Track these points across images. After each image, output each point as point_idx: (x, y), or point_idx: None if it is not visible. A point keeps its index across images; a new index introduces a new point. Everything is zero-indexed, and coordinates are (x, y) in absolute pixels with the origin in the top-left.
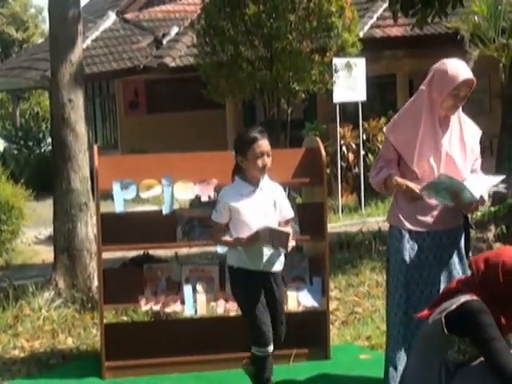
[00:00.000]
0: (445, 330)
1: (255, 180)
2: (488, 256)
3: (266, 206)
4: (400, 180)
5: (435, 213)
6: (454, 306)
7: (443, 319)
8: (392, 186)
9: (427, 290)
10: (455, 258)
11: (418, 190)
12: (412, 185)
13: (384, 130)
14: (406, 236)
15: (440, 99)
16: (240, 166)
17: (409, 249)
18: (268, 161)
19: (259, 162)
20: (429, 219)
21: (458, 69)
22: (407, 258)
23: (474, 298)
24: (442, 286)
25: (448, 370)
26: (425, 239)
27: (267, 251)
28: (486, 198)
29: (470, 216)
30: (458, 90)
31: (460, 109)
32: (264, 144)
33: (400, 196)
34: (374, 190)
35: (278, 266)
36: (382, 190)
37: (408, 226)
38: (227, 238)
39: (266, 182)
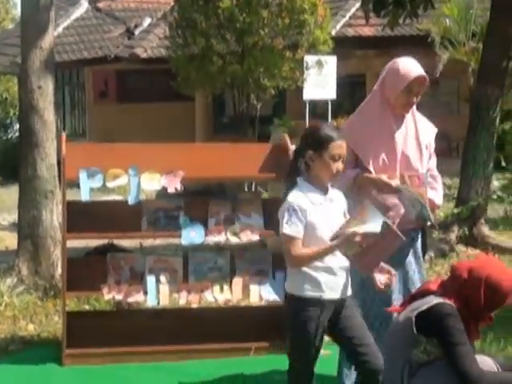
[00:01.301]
0: (414, 329)
1: (324, 186)
2: (472, 266)
3: (337, 219)
4: (374, 176)
5: (392, 213)
6: (425, 307)
7: (413, 318)
8: (362, 184)
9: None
10: (411, 258)
11: (394, 185)
12: (385, 177)
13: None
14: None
15: (393, 97)
16: (299, 166)
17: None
18: (341, 167)
19: (333, 167)
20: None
21: (410, 66)
22: None
23: (447, 301)
24: (398, 286)
25: (411, 369)
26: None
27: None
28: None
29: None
30: (411, 88)
31: (414, 107)
32: (343, 146)
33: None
34: None
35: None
36: (349, 189)
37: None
38: (310, 250)
39: (332, 189)
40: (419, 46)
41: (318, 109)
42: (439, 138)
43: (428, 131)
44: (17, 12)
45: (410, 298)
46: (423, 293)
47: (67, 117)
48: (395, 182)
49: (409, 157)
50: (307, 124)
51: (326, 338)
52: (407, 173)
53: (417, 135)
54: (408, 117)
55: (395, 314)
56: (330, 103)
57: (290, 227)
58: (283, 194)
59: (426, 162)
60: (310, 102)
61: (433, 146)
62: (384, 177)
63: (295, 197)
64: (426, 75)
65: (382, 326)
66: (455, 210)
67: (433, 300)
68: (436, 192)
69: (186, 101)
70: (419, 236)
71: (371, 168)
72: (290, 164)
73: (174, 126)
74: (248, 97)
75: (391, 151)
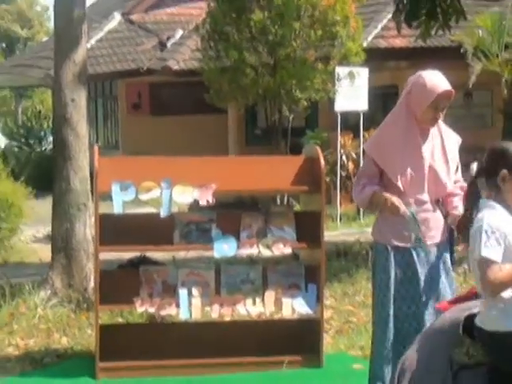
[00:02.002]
0: (460, 329)
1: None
2: None
3: None
4: (387, 195)
5: (421, 227)
6: (476, 310)
7: (462, 318)
8: (378, 203)
9: (414, 306)
10: (442, 272)
11: (401, 210)
12: (397, 201)
13: (364, 145)
14: (392, 253)
15: (419, 112)
16: (477, 186)
17: (395, 266)
18: None
19: None
20: None
21: (436, 81)
22: (393, 275)
23: None
24: (430, 301)
25: (451, 367)
26: (411, 255)
27: None
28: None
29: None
30: (437, 103)
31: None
32: None
33: (385, 212)
34: None
35: None
36: (367, 208)
37: (394, 242)
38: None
39: None
40: (452, 57)
41: (350, 120)
42: (473, 150)
43: (453, 142)
44: (51, 25)
45: (461, 297)
46: (467, 296)
47: (100, 129)
48: (403, 208)
49: (436, 171)
50: (339, 135)
51: (360, 353)
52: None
53: (443, 148)
54: (434, 129)
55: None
56: (361, 115)
57: (489, 250)
58: (467, 213)
59: (453, 175)
60: (341, 113)
61: (457, 156)
62: (395, 199)
63: (491, 218)
64: (452, 89)
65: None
66: None
67: None
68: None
69: (218, 113)
70: (448, 249)
71: (399, 184)
72: (470, 183)
73: (207, 138)
74: (280, 109)
75: (419, 166)
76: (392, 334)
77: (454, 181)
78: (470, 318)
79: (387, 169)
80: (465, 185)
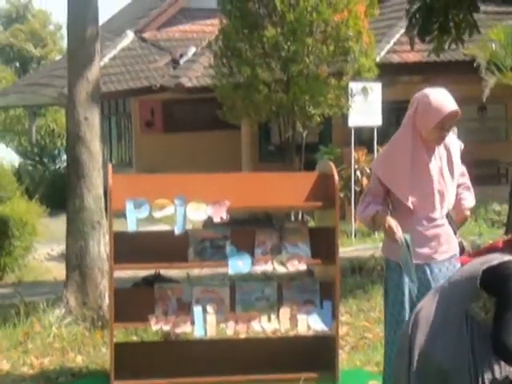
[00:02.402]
0: (478, 281)
1: None
2: None
3: None
4: (387, 218)
5: (433, 243)
6: (495, 262)
7: (481, 272)
8: (380, 223)
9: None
10: None
11: (397, 236)
12: (394, 226)
13: (371, 164)
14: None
15: (425, 132)
16: None
17: (409, 283)
18: None
19: None
20: (426, 251)
21: (442, 101)
22: (407, 293)
23: None
24: None
25: (466, 321)
26: (424, 271)
27: None
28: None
29: (463, 242)
30: (443, 123)
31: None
32: None
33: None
34: None
35: None
36: (369, 226)
37: None
38: None
39: None
40: (465, 71)
41: (364, 136)
42: (488, 164)
43: (457, 149)
44: (64, 43)
45: (480, 251)
46: (494, 249)
47: (114, 147)
48: (399, 235)
49: (445, 187)
50: (353, 151)
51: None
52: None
53: (450, 163)
54: (440, 146)
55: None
56: (375, 130)
57: None
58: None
59: (456, 180)
60: (355, 128)
61: (459, 161)
62: (393, 223)
63: None
64: (458, 109)
65: None
66: (505, 236)
67: (505, 257)
68: (470, 193)
69: (231, 129)
70: (454, 265)
71: (409, 204)
72: None
73: (220, 154)
74: (294, 125)
75: (427, 185)
76: None
77: (458, 184)
78: (488, 271)
79: (394, 188)
80: (470, 185)
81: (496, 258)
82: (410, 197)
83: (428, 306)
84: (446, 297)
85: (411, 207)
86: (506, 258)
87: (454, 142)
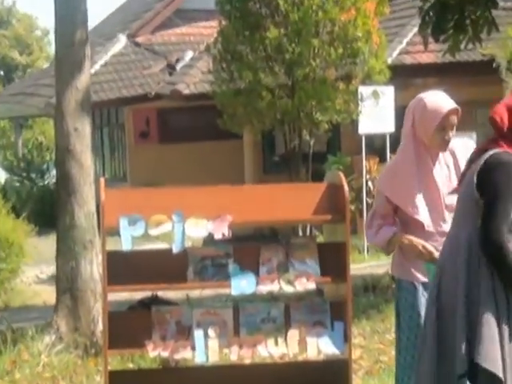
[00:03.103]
0: (475, 190)
1: None
2: (507, 103)
3: None
4: (413, 239)
5: None
6: (482, 161)
7: (475, 178)
8: (395, 245)
9: None
10: None
11: (434, 255)
12: (429, 247)
13: (376, 182)
14: (420, 289)
15: (427, 139)
16: None
17: (425, 303)
18: None
19: None
20: None
21: (439, 102)
22: (423, 313)
23: (507, 149)
24: None
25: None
26: None
27: None
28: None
29: None
30: (444, 125)
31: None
32: None
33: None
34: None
35: None
36: (385, 250)
37: (421, 278)
38: None
39: None
40: (484, 72)
41: (376, 143)
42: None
43: (463, 152)
44: (52, 50)
45: (464, 170)
46: (480, 152)
47: (106, 160)
48: (436, 253)
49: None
50: (364, 160)
51: None
52: None
53: (458, 169)
54: (445, 153)
55: None
56: (388, 137)
57: None
58: None
59: None
60: (366, 136)
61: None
62: (427, 245)
63: None
64: (457, 107)
65: None
66: None
67: (489, 152)
68: None
69: (233, 139)
70: None
71: (421, 219)
72: None
73: (221, 166)
74: (300, 133)
75: (436, 197)
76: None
77: None
78: (480, 174)
79: (403, 205)
80: None
81: (481, 159)
82: (421, 211)
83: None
84: (453, 226)
85: (423, 223)
86: (491, 152)
87: (459, 145)
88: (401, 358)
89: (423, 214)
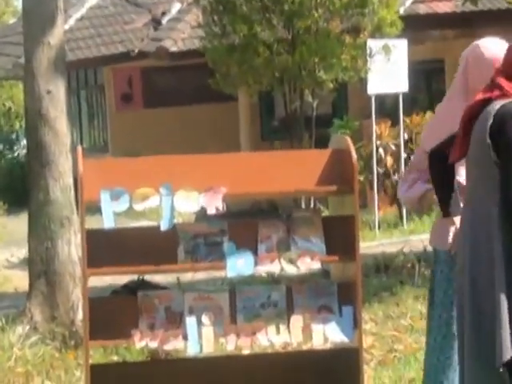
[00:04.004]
0: (491, 152)
1: None
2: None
3: None
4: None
5: None
6: (490, 117)
7: (487, 138)
8: (429, 204)
9: None
10: None
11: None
12: None
13: (421, 136)
14: None
15: (481, 88)
16: None
17: None
18: None
19: None
20: None
21: (497, 50)
22: None
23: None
24: None
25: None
26: None
27: None
28: None
29: None
30: None
31: None
32: None
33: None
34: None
35: None
36: (414, 208)
37: None
38: None
39: None
40: (508, 22)
41: (387, 104)
42: None
43: None
44: (19, 3)
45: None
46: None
47: (84, 127)
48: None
49: None
50: (374, 124)
51: None
52: None
53: None
54: None
55: None
56: (401, 97)
57: None
58: None
59: None
60: (376, 96)
61: None
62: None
63: None
64: None
65: None
66: None
67: (495, 106)
68: None
69: (226, 101)
70: None
71: (461, 181)
72: None
73: (214, 132)
74: (301, 93)
75: None
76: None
77: None
78: (491, 133)
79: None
80: None
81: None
82: (460, 170)
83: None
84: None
85: (461, 181)
86: (498, 105)
87: None
88: (431, 338)
89: (463, 173)
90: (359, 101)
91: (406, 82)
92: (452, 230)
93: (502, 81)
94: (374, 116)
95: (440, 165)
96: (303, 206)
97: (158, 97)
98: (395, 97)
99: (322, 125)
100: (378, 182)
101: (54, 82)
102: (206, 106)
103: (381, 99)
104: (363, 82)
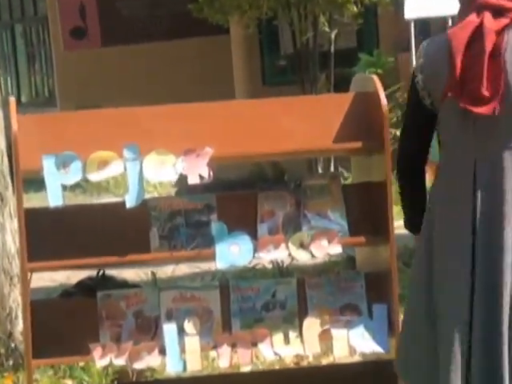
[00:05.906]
0: None
1: None
2: None
3: None
4: None
5: None
6: None
7: None
8: None
9: None
10: None
11: None
12: None
13: None
14: None
15: None
16: None
17: None
18: None
19: None
20: None
21: None
22: None
23: None
24: None
25: None
26: None
27: None
28: None
29: None
30: None
31: None
32: None
33: None
34: None
35: None
36: None
37: None
38: None
39: None
40: None
41: (432, 33)
42: None
43: None
44: None
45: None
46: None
47: (22, 74)
48: None
49: None
50: (413, 59)
51: None
52: None
53: None
54: None
55: None
56: (450, 21)
57: None
58: None
59: None
60: (416, 22)
61: None
62: None
63: None
64: None
65: None
66: None
67: None
68: None
69: (214, 35)
70: None
71: None
72: None
73: (199, 77)
74: (315, 21)
75: None
76: None
77: None
78: None
79: None
80: None
81: None
82: None
83: None
84: None
85: None
86: None
87: None
88: None
89: None
90: (394, 29)
91: (456, 3)
92: None
93: None
94: (413, 49)
95: None
96: (319, 170)
97: (121, 31)
98: (441, 22)
99: (343, 62)
100: None
101: None
102: (186, 41)
103: (423, 25)
104: (399, 3)
